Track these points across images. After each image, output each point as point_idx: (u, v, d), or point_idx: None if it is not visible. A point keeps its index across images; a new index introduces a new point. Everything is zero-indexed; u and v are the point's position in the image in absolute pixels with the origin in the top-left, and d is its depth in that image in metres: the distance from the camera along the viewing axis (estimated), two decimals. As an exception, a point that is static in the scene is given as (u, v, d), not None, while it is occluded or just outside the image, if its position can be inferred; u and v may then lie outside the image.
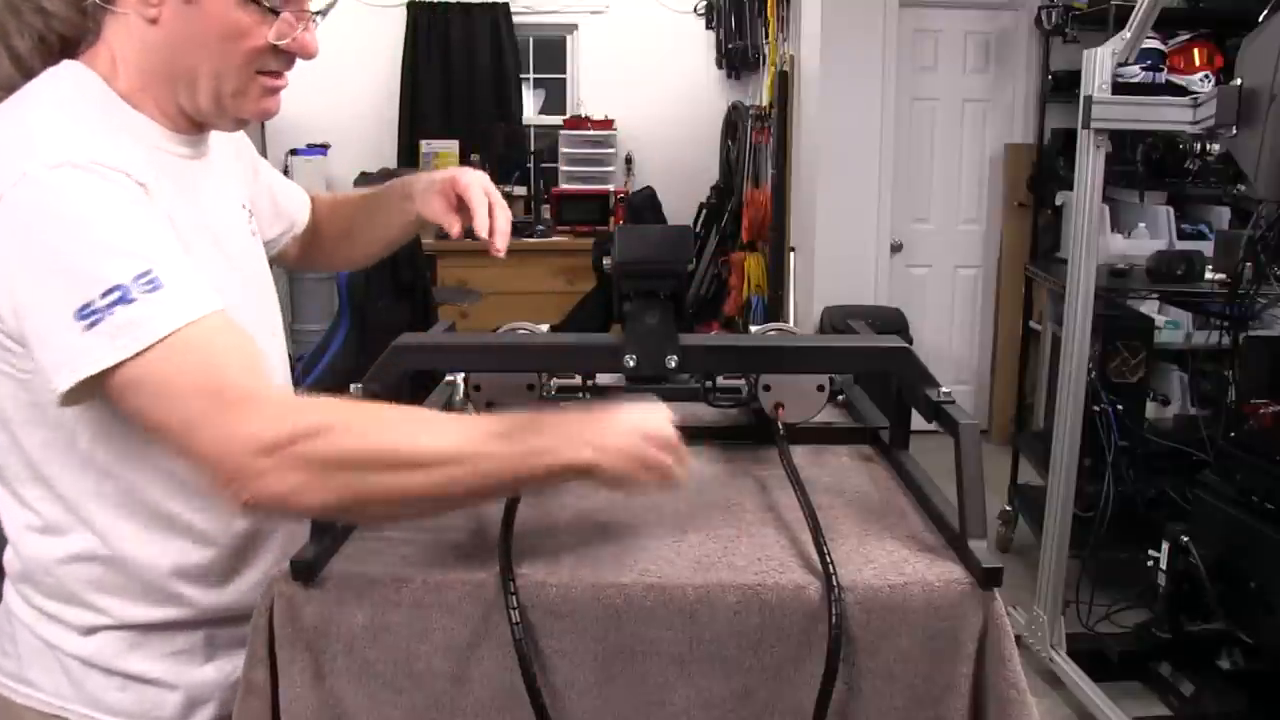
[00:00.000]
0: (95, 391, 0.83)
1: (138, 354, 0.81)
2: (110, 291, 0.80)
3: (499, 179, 5.55)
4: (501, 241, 1.12)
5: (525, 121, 6.18)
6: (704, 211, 5.80)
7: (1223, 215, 4.13)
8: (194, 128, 1.00)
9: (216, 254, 1.00)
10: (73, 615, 0.97)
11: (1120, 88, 2.66)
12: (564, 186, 5.82)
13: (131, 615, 0.98)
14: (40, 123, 0.87)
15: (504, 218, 1.12)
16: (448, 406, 1.27)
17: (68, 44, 0.96)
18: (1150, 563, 2.62)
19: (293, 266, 1.36)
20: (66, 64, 0.94)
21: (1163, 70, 3.75)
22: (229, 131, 1.06)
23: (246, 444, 0.80)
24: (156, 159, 0.95)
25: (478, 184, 1.16)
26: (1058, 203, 4.37)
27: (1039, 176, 4.44)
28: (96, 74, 0.94)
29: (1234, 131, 2.23)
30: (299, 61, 0.99)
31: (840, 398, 1.42)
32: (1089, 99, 2.55)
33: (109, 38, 0.94)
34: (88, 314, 0.80)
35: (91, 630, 0.98)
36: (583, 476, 0.88)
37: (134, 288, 0.81)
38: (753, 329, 1.39)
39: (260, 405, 0.82)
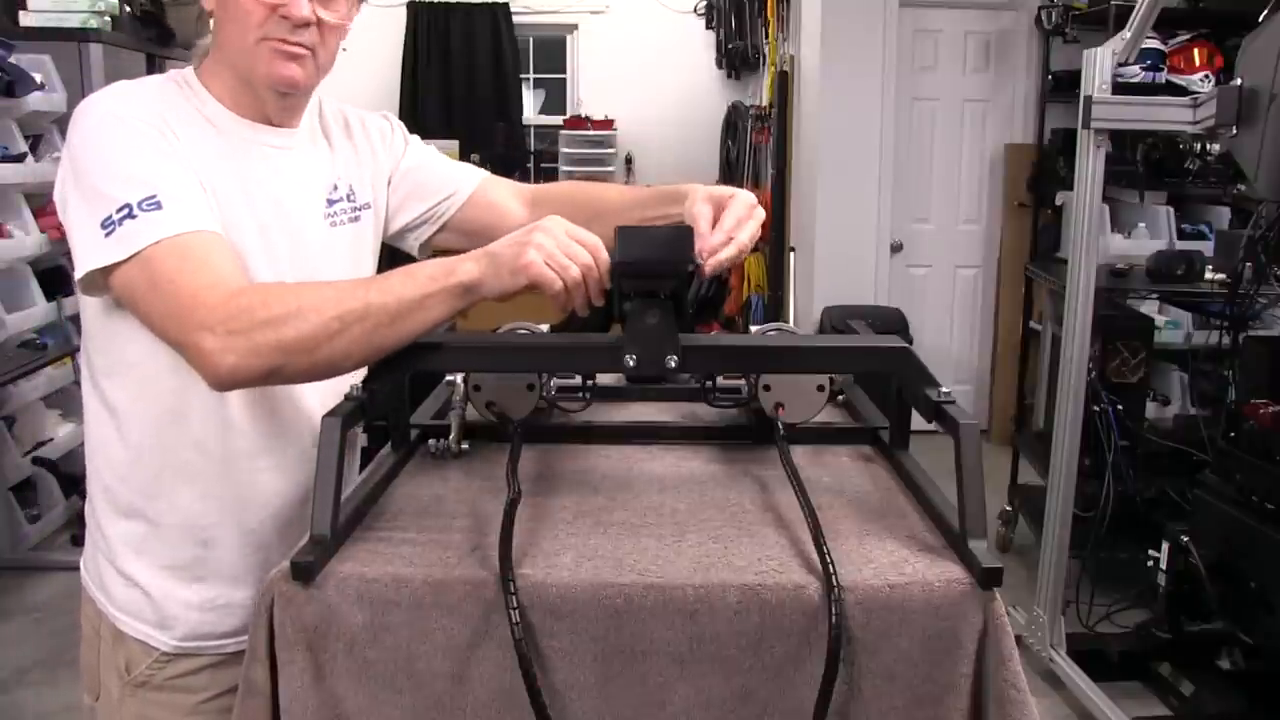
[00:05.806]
0: (102, 285, 1.04)
1: (134, 254, 1.00)
2: (123, 209, 1.01)
3: (499, 179, 5.55)
4: (711, 264, 1.08)
5: (525, 121, 6.19)
6: (704, 211, 5.79)
7: (1223, 215, 4.13)
8: (256, 111, 1.16)
9: (260, 239, 1.14)
10: (99, 498, 1.17)
11: (1120, 88, 2.67)
12: (564, 186, 5.82)
13: (131, 501, 1.15)
14: (119, 89, 1.11)
15: (734, 251, 1.09)
16: (447, 406, 1.27)
17: None
18: (1150, 563, 2.62)
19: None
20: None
21: (1163, 70, 3.75)
22: (273, 104, 1.16)
23: (200, 331, 0.97)
24: (222, 142, 1.13)
25: (742, 204, 1.12)
26: (1058, 203, 4.37)
27: (1039, 176, 4.45)
28: (196, 73, 1.16)
29: (1234, 131, 2.23)
30: None
31: (840, 398, 1.42)
32: (1089, 99, 2.56)
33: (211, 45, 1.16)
34: (108, 224, 1.01)
35: (116, 516, 1.16)
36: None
37: (139, 207, 1.01)
38: (753, 329, 1.39)
39: (213, 297, 0.98)
